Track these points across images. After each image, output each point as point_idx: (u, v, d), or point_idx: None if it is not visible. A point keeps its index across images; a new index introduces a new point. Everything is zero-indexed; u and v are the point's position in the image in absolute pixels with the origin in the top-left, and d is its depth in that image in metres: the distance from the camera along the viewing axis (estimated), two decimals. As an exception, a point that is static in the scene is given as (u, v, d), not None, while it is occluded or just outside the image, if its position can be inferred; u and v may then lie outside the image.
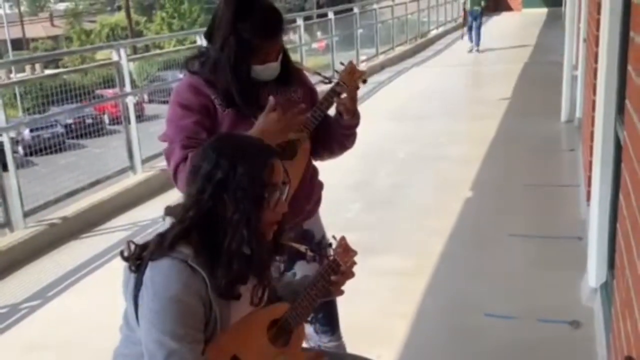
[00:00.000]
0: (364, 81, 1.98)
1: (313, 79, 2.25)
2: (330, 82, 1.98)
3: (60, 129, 6.39)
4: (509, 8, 25.04)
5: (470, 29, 14.11)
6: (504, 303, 3.29)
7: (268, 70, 1.94)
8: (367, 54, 12.87)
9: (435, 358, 2.88)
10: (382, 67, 12.39)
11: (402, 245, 4.16)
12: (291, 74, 2.04)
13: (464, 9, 14.60)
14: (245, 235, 1.45)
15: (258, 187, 1.47)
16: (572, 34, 7.30)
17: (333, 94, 1.96)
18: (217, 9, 1.95)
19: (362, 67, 11.34)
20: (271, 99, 1.87)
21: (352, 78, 1.94)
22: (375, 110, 8.14)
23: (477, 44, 13.99)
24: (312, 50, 12.80)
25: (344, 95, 1.96)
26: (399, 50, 14.15)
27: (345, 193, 5.14)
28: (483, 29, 14.21)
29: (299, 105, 1.93)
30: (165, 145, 1.99)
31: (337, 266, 1.66)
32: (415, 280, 3.60)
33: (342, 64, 1.99)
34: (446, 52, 15.01)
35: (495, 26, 19.57)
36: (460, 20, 16.15)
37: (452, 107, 8.62)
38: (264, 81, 1.96)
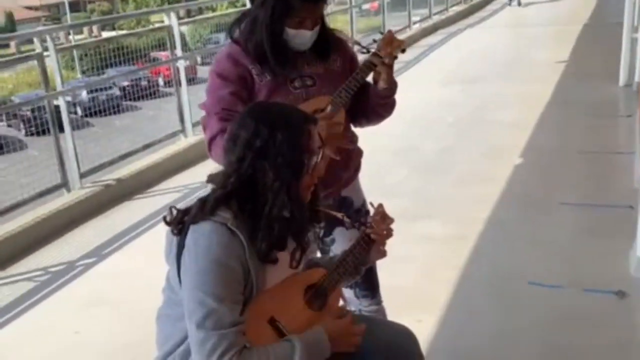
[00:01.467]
0: (403, 50, 1.96)
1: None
2: (368, 51, 1.96)
3: (116, 91, 6.56)
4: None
5: None
6: (549, 272, 3.26)
7: (300, 37, 1.94)
8: (421, 14, 12.61)
9: (476, 325, 2.89)
10: (435, 28, 12.14)
11: (448, 211, 4.14)
12: (329, 46, 2.04)
13: None
14: (285, 200, 1.49)
15: (298, 153, 1.51)
16: (634, -6, 6.98)
17: (369, 64, 1.95)
18: None
19: (406, 31, 11.13)
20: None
21: (391, 47, 1.93)
22: (426, 74, 8.03)
23: None
24: (363, 11, 12.62)
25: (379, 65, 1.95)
26: (453, 10, 13.81)
27: (392, 157, 5.13)
28: None
29: (334, 76, 1.93)
30: (203, 113, 2.04)
31: (369, 238, 1.71)
32: (459, 247, 3.59)
33: (381, 33, 1.98)
34: (503, 12, 14.60)
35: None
36: None
37: (506, 70, 8.42)
38: (301, 50, 1.97)
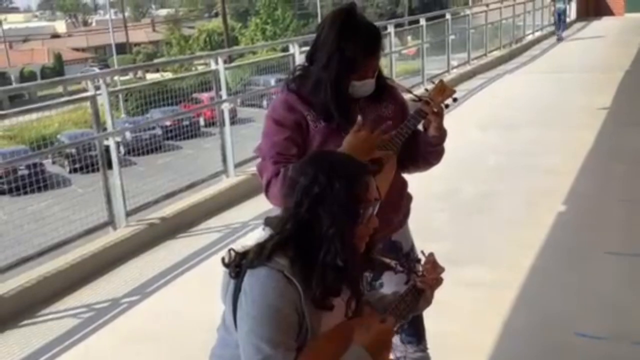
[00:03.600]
0: (455, 99, 2.02)
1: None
2: (420, 100, 2.02)
3: (158, 131, 6.72)
4: (610, 12, 23.99)
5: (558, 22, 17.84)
6: (596, 323, 3.20)
7: (365, 86, 2.02)
8: (459, 59, 12.70)
9: (521, 374, 2.84)
10: (474, 73, 12.19)
11: (490, 257, 4.11)
12: (384, 90, 2.11)
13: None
14: (339, 248, 1.52)
15: (354, 203, 1.53)
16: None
17: (420, 112, 2.00)
18: (320, 31, 2.04)
19: (445, 76, 11.20)
20: (359, 118, 1.94)
21: (442, 96, 1.98)
22: (466, 118, 8.03)
23: (562, 32, 17.57)
24: (402, 55, 12.77)
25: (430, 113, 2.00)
26: (492, 56, 13.87)
27: (433, 201, 5.11)
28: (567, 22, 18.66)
29: (385, 123, 1.99)
30: (259, 159, 2.11)
31: (420, 290, 1.74)
32: (502, 294, 3.55)
33: (432, 82, 2.03)
34: (542, 58, 14.59)
35: (595, 31, 18.83)
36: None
37: (546, 116, 8.39)
38: (358, 97, 2.03)
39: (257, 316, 1.49)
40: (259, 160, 2.11)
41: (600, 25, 20.46)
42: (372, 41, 2.00)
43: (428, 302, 1.80)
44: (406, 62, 14.34)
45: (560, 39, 17.32)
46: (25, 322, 3.64)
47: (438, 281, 1.76)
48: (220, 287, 1.65)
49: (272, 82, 7.89)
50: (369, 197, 1.56)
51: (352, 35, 1.97)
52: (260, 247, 1.56)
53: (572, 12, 21.15)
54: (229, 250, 1.61)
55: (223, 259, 1.60)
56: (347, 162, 1.60)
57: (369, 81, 2.02)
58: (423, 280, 1.75)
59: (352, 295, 1.63)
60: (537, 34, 18.05)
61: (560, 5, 17.70)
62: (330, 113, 2.01)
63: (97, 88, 4.74)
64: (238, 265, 1.58)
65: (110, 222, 4.70)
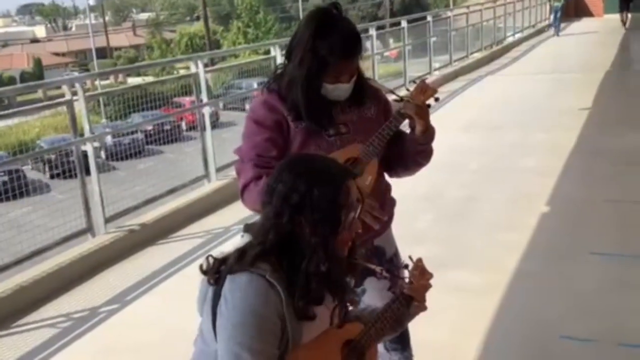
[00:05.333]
0: (436, 99, 1.97)
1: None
2: (402, 100, 1.97)
3: (139, 135, 6.63)
4: (589, 14, 24.22)
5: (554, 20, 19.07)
6: (582, 325, 3.17)
7: (338, 90, 1.97)
8: (441, 61, 12.72)
9: (508, 379, 2.81)
10: (455, 75, 12.21)
11: (475, 260, 4.08)
12: (365, 94, 2.06)
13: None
14: (322, 257, 1.47)
15: (335, 210, 1.49)
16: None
17: (402, 112, 1.96)
18: (298, 28, 2.00)
19: (427, 78, 11.22)
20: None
21: (424, 96, 1.94)
22: (448, 120, 8.02)
23: (558, 30, 18.67)
24: (384, 57, 12.76)
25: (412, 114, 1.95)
26: (473, 57, 13.91)
27: (416, 204, 5.08)
28: (563, 24, 19.47)
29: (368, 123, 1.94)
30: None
31: (409, 298, 1.68)
32: (487, 297, 3.52)
33: (414, 82, 1.99)
34: (523, 59, 14.66)
35: (575, 32, 19.04)
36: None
37: (528, 117, 8.41)
38: (333, 100, 1.98)
39: (238, 323, 1.44)
40: (237, 160, 2.06)
41: (581, 26, 20.63)
42: (347, 43, 1.94)
43: (421, 308, 1.74)
44: (388, 65, 14.33)
45: (557, 34, 18.48)
46: (1, 333, 3.55)
47: (426, 287, 1.71)
48: (197, 296, 1.59)
49: (254, 85, 7.82)
50: (350, 202, 1.51)
51: (327, 35, 1.92)
52: (240, 252, 1.50)
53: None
54: (207, 257, 1.55)
55: (201, 266, 1.55)
56: (326, 167, 1.55)
57: (343, 86, 1.97)
58: (411, 287, 1.70)
59: (337, 303, 1.58)
60: (518, 35, 18.15)
61: (556, 3, 18.82)
62: (299, 112, 1.96)
63: (75, 93, 4.65)
64: (217, 271, 1.52)
65: (89, 229, 4.60)
